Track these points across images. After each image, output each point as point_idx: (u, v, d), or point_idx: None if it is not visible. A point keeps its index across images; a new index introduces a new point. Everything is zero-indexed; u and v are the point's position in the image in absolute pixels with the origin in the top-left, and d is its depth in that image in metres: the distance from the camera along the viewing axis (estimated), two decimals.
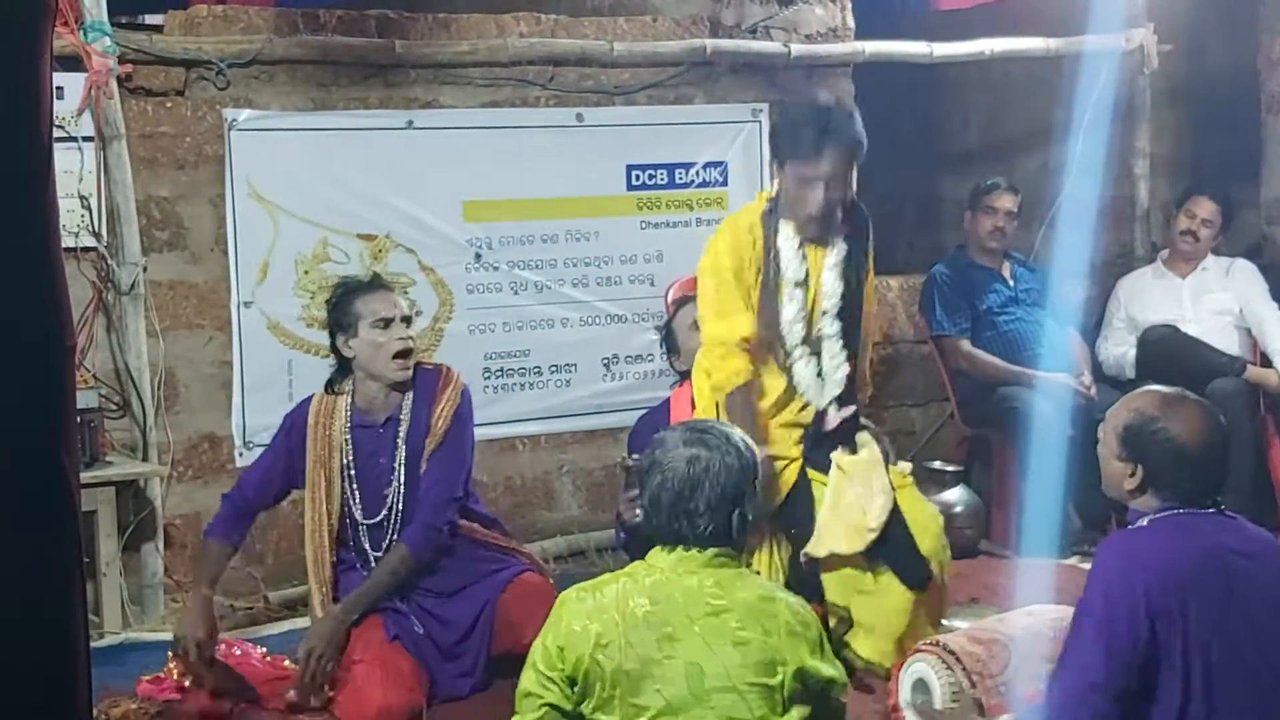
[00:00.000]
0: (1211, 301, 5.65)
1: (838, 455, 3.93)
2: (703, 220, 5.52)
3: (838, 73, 5.83)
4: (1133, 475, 2.80)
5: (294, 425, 4.05)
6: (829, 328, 3.96)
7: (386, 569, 3.92)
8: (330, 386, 4.06)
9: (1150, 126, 6.40)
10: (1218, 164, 6.37)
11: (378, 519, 3.99)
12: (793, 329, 3.94)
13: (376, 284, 4.10)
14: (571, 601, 2.72)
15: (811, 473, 3.97)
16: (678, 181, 5.53)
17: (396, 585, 3.92)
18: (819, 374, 3.96)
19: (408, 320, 4.02)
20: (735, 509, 2.77)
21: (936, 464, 5.51)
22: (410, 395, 4.01)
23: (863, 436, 4.01)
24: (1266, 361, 5.48)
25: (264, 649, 4.22)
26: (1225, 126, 6.48)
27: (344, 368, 4.05)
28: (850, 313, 4.01)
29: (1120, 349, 5.72)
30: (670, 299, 5.44)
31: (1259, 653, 2.68)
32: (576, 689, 2.65)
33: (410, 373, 3.99)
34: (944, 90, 7.34)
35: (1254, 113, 6.26)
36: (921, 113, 7.48)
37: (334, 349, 4.05)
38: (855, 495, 3.85)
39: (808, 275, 3.94)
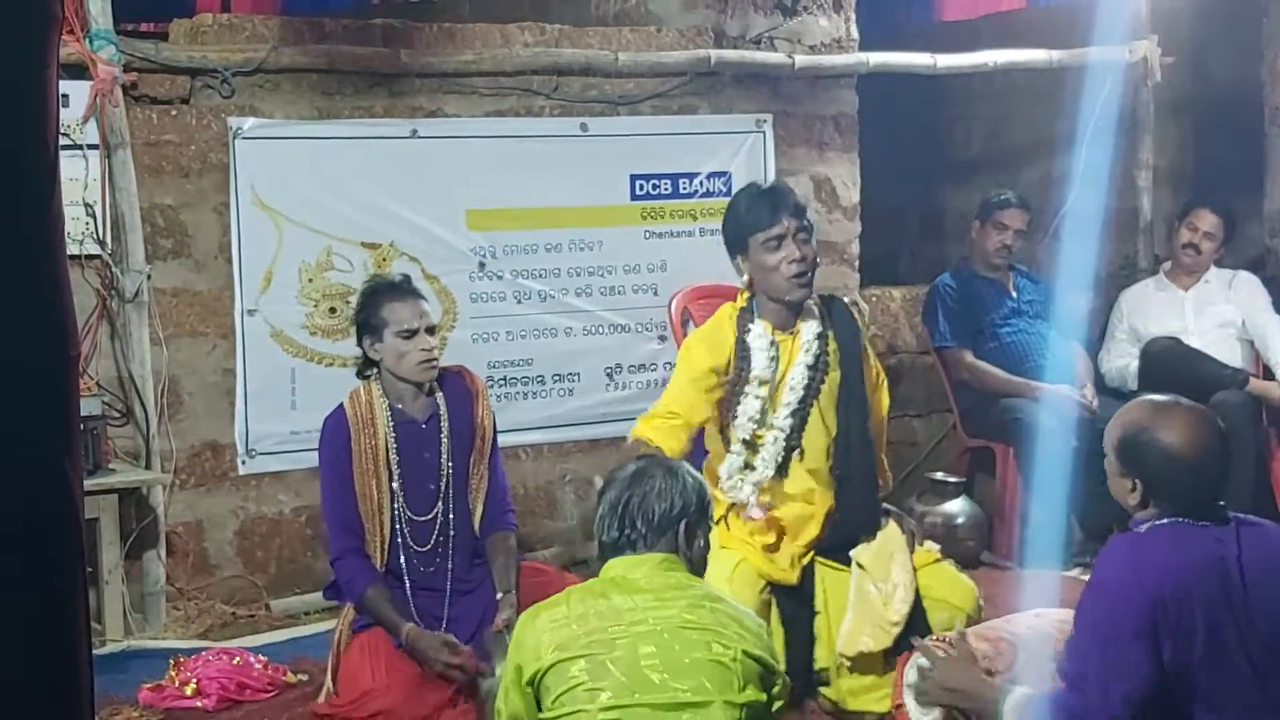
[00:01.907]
0: (1214, 314, 5.65)
1: (857, 551, 3.91)
2: (706, 230, 5.51)
3: (841, 84, 5.83)
4: (1134, 490, 2.79)
5: (333, 438, 3.97)
6: (780, 421, 3.92)
7: (512, 554, 4.02)
8: (362, 374, 4.03)
9: (1153, 138, 6.41)
10: (1220, 176, 6.37)
11: (427, 517, 3.97)
12: (744, 425, 3.91)
13: (404, 289, 4.02)
14: (528, 619, 2.84)
15: (821, 561, 3.95)
16: (682, 191, 5.53)
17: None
18: (745, 466, 3.92)
19: (432, 330, 3.98)
20: (682, 520, 2.89)
21: (939, 475, 5.50)
22: (441, 395, 4.02)
23: (883, 522, 3.99)
24: (1269, 374, 5.48)
25: (265, 658, 4.23)
26: (1228, 138, 6.49)
27: (370, 362, 4.03)
28: (849, 405, 3.96)
29: (1123, 361, 5.72)
30: (674, 309, 5.45)
31: (1261, 661, 2.67)
32: (538, 694, 2.74)
33: (435, 373, 3.99)
34: (948, 101, 7.34)
35: (1257, 125, 6.26)
36: (925, 123, 7.49)
37: (360, 347, 4.02)
38: (875, 590, 3.85)
39: (776, 373, 3.91)
